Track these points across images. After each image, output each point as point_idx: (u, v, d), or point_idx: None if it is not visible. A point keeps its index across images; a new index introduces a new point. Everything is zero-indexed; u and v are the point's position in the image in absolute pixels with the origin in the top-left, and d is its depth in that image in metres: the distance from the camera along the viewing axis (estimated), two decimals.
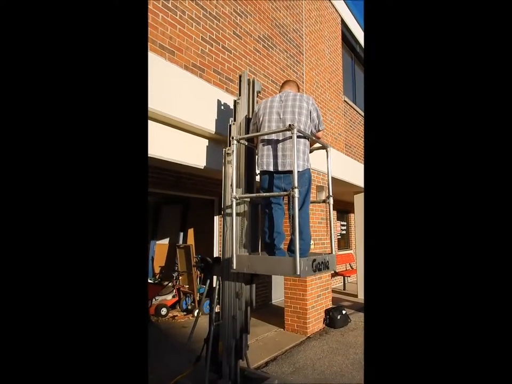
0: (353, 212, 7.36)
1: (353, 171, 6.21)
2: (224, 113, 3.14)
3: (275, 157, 2.36)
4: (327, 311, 4.72)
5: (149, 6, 2.63)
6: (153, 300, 5.23)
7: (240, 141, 2.54)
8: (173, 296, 5.49)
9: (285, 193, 2.21)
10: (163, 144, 2.76)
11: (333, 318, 4.61)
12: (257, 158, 2.48)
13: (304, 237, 2.34)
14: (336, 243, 8.66)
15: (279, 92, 2.61)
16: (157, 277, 6.02)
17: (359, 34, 7.44)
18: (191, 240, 6.20)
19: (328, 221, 2.64)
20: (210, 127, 3.01)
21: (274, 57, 4.24)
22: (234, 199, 2.32)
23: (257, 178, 2.66)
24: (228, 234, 2.51)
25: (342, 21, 6.60)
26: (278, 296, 6.23)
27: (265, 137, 2.40)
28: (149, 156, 2.37)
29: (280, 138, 2.35)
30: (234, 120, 2.69)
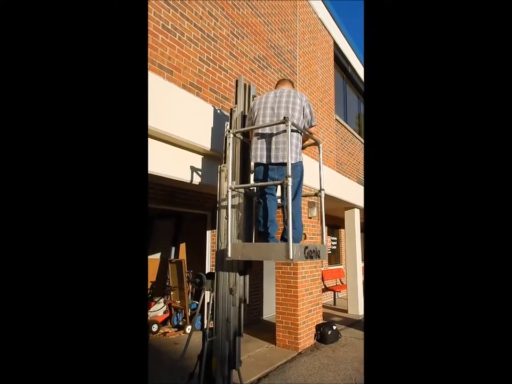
0: (344, 228, 7.45)
1: (344, 188, 6.34)
2: (219, 130, 3.22)
3: (268, 150, 2.46)
4: (318, 327, 4.73)
5: (149, 28, 2.74)
6: None
7: (236, 134, 2.62)
8: (164, 312, 5.43)
9: (279, 182, 2.29)
10: (160, 161, 2.81)
11: (323, 334, 4.62)
12: (251, 151, 2.57)
13: (297, 226, 2.42)
14: (327, 258, 8.70)
15: (274, 89, 2.73)
16: (148, 292, 5.95)
17: (351, 56, 7.72)
18: (183, 255, 6.17)
19: (320, 215, 2.71)
20: (206, 144, 3.09)
21: (269, 76, 4.39)
22: (229, 190, 2.38)
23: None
24: (222, 225, 2.54)
25: (335, 43, 6.86)
26: (269, 312, 6.20)
27: (259, 130, 2.50)
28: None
29: (274, 132, 2.45)
30: (230, 128, 2.76)
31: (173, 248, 6.19)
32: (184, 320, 5.21)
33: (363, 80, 7.51)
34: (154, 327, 4.94)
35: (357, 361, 3.99)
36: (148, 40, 2.65)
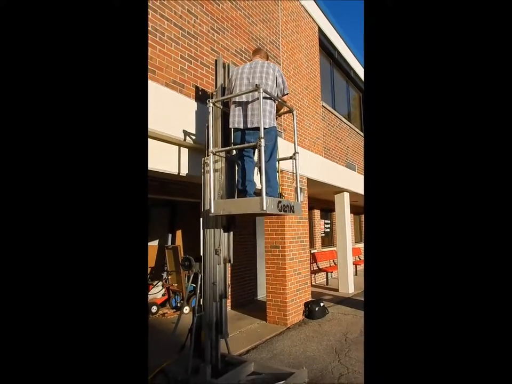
0: None
1: (332, 172, 6.57)
2: (203, 124, 3.44)
3: (245, 116, 2.78)
4: (306, 304, 5.06)
5: None
6: None
7: (216, 104, 2.93)
8: (163, 295, 5.77)
9: (253, 144, 2.62)
10: (150, 156, 3.04)
11: (311, 310, 4.95)
12: (230, 118, 2.87)
13: (272, 184, 2.75)
14: (320, 240, 9.03)
15: (250, 61, 3.04)
16: (148, 276, 6.29)
17: (337, 41, 7.80)
18: (179, 241, 6.48)
19: (294, 175, 3.03)
20: (190, 137, 3.32)
21: None
22: (211, 154, 2.70)
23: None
24: (207, 188, 2.82)
25: (320, 29, 6.94)
26: (262, 292, 6.54)
27: (237, 99, 2.81)
28: None
29: (250, 100, 2.77)
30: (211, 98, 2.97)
31: (170, 235, 6.49)
32: (181, 301, 5.55)
33: (363, 78, 7.61)
34: (154, 309, 5.28)
35: (339, 333, 4.33)
36: (147, 48, 2.84)
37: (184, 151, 3.46)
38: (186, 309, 5.21)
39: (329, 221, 9.73)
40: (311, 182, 5.87)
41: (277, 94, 2.87)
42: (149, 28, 3.11)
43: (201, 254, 2.96)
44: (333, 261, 9.21)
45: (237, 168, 3.05)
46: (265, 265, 5.07)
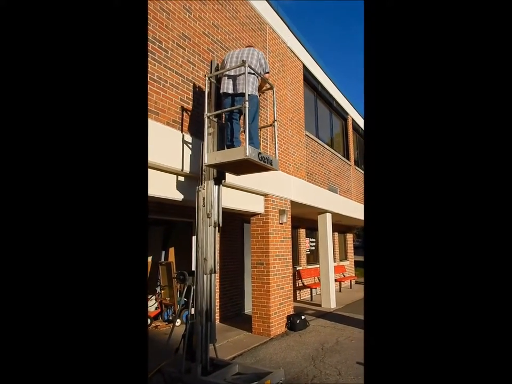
0: None
1: (315, 195, 7.18)
2: (198, 156, 4.00)
3: (233, 84, 3.69)
4: (289, 317, 5.53)
5: None
6: None
7: (211, 78, 3.81)
8: (156, 308, 6.16)
9: (239, 106, 3.48)
10: (151, 184, 3.57)
11: (293, 322, 5.42)
12: (221, 85, 3.75)
13: (254, 141, 3.55)
14: (305, 258, 9.54)
15: None
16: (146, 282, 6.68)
17: (320, 75, 8.58)
18: (172, 258, 6.92)
19: (274, 145, 3.76)
20: (186, 168, 3.87)
21: None
22: (206, 117, 3.53)
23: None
24: (205, 145, 3.47)
25: (304, 66, 7.69)
26: (249, 307, 6.97)
27: (227, 73, 3.73)
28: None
29: (237, 73, 3.68)
30: (209, 99, 3.75)
31: (163, 252, 6.96)
32: (173, 314, 5.96)
33: (363, 80, 8.19)
34: (147, 321, 5.67)
35: (317, 343, 4.80)
36: (147, 91, 3.42)
37: (181, 179, 4.00)
38: (178, 322, 5.61)
39: (314, 240, 10.26)
40: (294, 204, 6.44)
41: (260, 72, 3.73)
42: (154, 77, 3.70)
43: (195, 220, 3.54)
44: (318, 277, 9.70)
45: (226, 129, 3.78)
46: (251, 281, 5.55)
